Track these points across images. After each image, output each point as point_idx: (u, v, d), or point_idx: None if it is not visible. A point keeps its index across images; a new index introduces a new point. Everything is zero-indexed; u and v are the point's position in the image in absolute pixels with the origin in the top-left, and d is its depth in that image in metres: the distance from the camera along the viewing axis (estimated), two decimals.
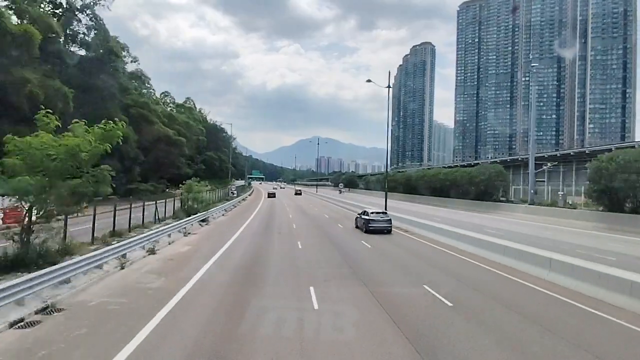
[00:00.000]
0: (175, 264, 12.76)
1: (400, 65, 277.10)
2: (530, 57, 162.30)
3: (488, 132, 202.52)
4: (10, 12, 28.09)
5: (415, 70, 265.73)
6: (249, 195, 70.90)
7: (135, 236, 15.09)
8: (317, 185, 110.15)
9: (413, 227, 22.37)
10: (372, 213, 22.32)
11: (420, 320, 7.74)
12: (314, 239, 19.15)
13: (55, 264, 9.61)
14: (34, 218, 10.41)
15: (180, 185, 26.42)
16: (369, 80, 30.31)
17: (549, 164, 39.79)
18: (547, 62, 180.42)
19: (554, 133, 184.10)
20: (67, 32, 33.16)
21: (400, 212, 29.37)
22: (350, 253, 15.39)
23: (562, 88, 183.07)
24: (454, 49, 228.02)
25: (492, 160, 58.81)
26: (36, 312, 7.73)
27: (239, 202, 47.92)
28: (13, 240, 10.18)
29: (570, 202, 31.72)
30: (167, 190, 51.44)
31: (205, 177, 76.32)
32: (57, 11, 32.50)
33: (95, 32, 34.34)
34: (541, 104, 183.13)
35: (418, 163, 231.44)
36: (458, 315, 8.09)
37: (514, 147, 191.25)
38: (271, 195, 65.66)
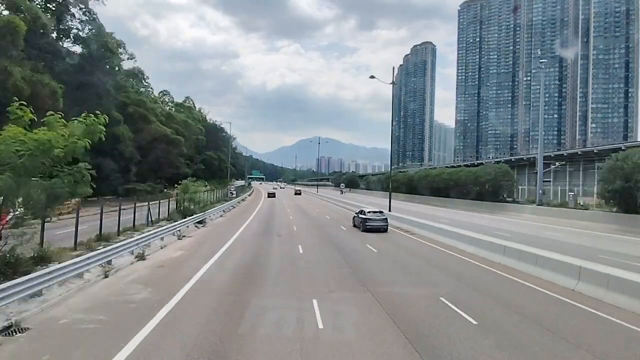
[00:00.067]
0: (165, 272, 11.66)
1: (400, 65, 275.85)
2: (539, 53, 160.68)
3: (489, 132, 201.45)
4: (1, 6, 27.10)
5: (416, 70, 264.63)
6: (249, 195, 69.85)
7: (124, 240, 14.02)
8: (317, 186, 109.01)
9: (420, 230, 21.28)
10: (368, 212, 22.92)
11: (434, 334, 6.66)
12: (315, 242, 18.06)
13: (28, 274, 8.55)
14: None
15: (176, 185, 25.29)
16: (372, 77, 29.27)
17: (557, 163, 38.68)
18: (548, 61, 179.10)
19: (555, 133, 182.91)
20: (61, 27, 32.07)
21: (404, 213, 28.30)
22: (356, 259, 14.29)
23: (564, 87, 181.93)
24: (454, 49, 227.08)
25: (495, 160, 57.69)
26: None
27: (238, 202, 46.85)
28: None
29: (581, 203, 30.58)
30: (165, 190, 50.35)
31: (204, 177, 75.27)
32: (49, 5, 31.39)
33: (90, 27, 33.25)
34: (543, 103, 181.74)
35: (419, 163, 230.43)
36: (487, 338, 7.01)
37: (515, 147, 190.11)
38: (271, 195, 65.86)
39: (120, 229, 16.96)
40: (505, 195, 39.18)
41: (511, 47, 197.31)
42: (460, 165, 63.87)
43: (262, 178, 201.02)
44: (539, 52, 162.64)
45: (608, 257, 14.32)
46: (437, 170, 56.79)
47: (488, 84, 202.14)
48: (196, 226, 22.79)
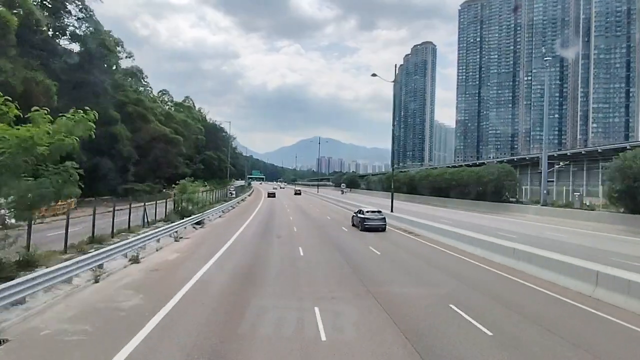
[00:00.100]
0: (159, 276, 11.12)
1: (401, 65, 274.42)
2: (543, 50, 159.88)
3: (490, 131, 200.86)
4: None
5: (417, 69, 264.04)
6: (249, 195, 69.27)
7: (118, 242, 13.48)
8: (318, 186, 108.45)
9: (425, 231, 20.69)
10: (367, 212, 23.26)
11: (445, 347, 6.13)
12: (317, 244, 17.51)
13: (12, 279, 8.02)
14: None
15: (173, 185, 24.74)
16: (374, 75, 28.73)
17: (560, 163, 38.11)
18: (549, 61, 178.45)
19: (556, 133, 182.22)
20: (57, 24, 31.53)
21: (406, 214, 27.76)
22: (359, 262, 13.75)
23: (565, 87, 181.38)
24: (454, 49, 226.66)
25: (498, 160, 57.10)
26: None
27: (237, 202, 46.30)
28: None
29: (587, 203, 30.01)
30: (164, 190, 49.83)
31: (204, 177, 74.92)
32: (45, 2, 30.84)
33: (87, 25, 32.71)
34: (543, 103, 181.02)
35: (419, 163, 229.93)
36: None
37: (516, 146, 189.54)
38: (271, 195, 66.49)
39: (115, 230, 16.42)
40: (508, 196, 38.59)
41: (512, 47, 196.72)
42: (461, 165, 63.30)
43: (262, 178, 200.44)
44: (543, 50, 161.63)
45: (621, 260, 13.79)
46: (438, 170, 56.23)
47: (489, 83, 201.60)
48: (194, 227, 22.26)
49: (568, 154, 45.73)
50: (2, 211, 9.18)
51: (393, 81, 27.39)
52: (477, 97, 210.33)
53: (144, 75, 57.17)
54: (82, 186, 9.84)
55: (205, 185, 61.27)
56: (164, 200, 24.26)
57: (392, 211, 28.89)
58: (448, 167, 62.23)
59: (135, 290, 9.56)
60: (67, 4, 31.61)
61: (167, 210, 23.92)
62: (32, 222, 10.21)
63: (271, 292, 9.59)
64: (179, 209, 23.57)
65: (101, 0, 34.57)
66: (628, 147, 33.47)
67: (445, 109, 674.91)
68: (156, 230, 16.88)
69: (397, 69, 29.79)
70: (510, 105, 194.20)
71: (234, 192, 52.61)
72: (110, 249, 12.19)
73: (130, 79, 48.28)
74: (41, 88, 22.48)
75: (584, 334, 7.17)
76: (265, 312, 8.03)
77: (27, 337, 6.57)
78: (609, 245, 17.82)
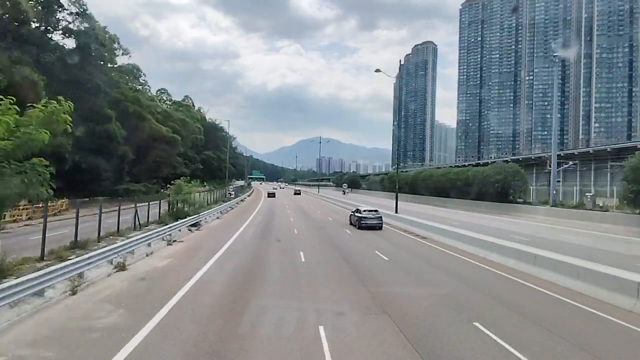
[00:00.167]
0: (145, 287, 10.00)
1: (401, 65, 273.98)
2: (552, 45, 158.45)
3: (491, 131, 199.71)
4: None
5: (417, 69, 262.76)
6: (248, 196, 68.18)
7: (103, 247, 12.36)
8: (318, 186, 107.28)
9: (435, 234, 19.54)
10: (364, 211, 23.97)
11: None
12: (319, 249, 16.37)
13: None
14: None
15: (168, 185, 23.60)
16: (377, 70, 27.67)
17: (570, 162, 36.96)
18: (550, 60, 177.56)
19: (558, 132, 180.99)
20: (50, 18, 30.39)
21: (411, 215, 26.61)
22: (366, 269, 12.65)
23: (567, 87, 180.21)
24: (454, 49, 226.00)
25: (503, 159, 55.94)
26: None
27: (236, 203, 45.18)
28: None
29: (601, 204, 28.86)
30: (162, 190, 48.73)
31: (203, 177, 73.93)
32: None
33: (80, 19, 31.55)
34: (545, 103, 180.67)
35: (420, 163, 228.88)
36: None
37: (517, 146, 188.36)
38: (271, 195, 66.88)
39: (103, 233, 15.30)
40: (515, 196, 37.41)
41: (513, 47, 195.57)
42: (465, 165, 62.18)
43: (263, 178, 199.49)
44: (553, 45, 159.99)
45: None
46: (442, 170, 55.05)
47: (490, 83, 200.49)
48: (189, 230, 21.13)
49: (575, 153, 44.58)
50: None
51: (396, 76, 26.26)
52: (478, 97, 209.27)
53: (141, 74, 56.10)
54: (54, 187, 8.69)
55: (205, 186, 60.28)
56: (159, 202, 23.10)
57: (396, 212, 27.78)
58: (452, 166, 61.09)
59: (116, 304, 8.44)
60: None
61: (163, 212, 22.82)
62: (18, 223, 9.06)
63: (270, 309, 8.48)
64: (174, 210, 22.43)
65: None
66: (639, 146, 32.42)
67: (445, 109, 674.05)
68: (148, 233, 15.75)
69: (401, 63, 28.70)
70: (512, 105, 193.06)
71: (233, 193, 51.49)
72: (94, 255, 11.07)
73: (127, 76, 47.14)
74: (28, 83, 21.42)
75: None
76: (263, 339, 6.91)
77: None
78: (636, 250, 16.62)
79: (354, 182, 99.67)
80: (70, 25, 31.91)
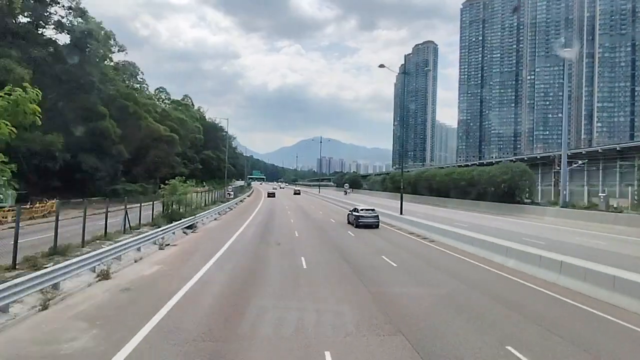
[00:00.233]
0: (128, 299, 8.90)
1: (402, 65, 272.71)
2: (563, 40, 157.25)
3: (492, 131, 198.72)
4: None
5: (418, 69, 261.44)
6: (248, 196, 67.19)
7: (87, 253, 11.24)
8: (319, 186, 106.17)
9: (443, 238, 18.44)
10: (361, 210, 24.86)
11: None
12: (321, 254, 15.27)
13: None
14: None
15: (162, 185, 22.48)
16: (382, 65, 26.57)
17: (579, 161, 35.85)
18: (552, 60, 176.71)
19: (560, 132, 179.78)
20: (40, 12, 29.28)
21: (416, 216, 25.49)
22: (374, 275, 11.55)
23: (569, 86, 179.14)
24: (454, 49, 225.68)
25: (507, 159, 54.83)
26: None
27: (235, 204, 44.09)
28: None
29: (615, 205, 27.73)
30: (159, 191, 47.63)
31: (202, 177, 72.87)
32: None
33: (73, 13, 30.44)
34: (547, 102, 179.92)
35: (420, 163, 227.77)
36: None
37: (519, 146, 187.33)
38: (271, 195, 67.32)
39: (90, 237, 14.18)
40: (522, 197, 36.28)
41: (514, 46, 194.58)
42: (468, 165, 61.09)
43: (263, 178, 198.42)
44: (563, 40, 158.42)
45: None
46: (446, 169, 53.95)
47: (491, 83, 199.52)
48: (184, 232, 20.05)
49: (583, 152, 43.51)
50: None
51: (399, 71, 25.14)
52: (479, 97, 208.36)
53: (139, 72, 54.94)
54: (17, 187, 7.58)
55: (204, 186, 59.20)
56: (152, 203, 21.96)
57: (401, 214, 26.68)
58: (456, 166, 59.99)
59: (91, 321, 7.33)
60: None
61: (157, 214, 21.70)
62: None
63: (269, 325, 7.38)
64: (168, 212, 21.33)
65: None
66: None
67: (445, 109, 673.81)
68: (138, 237, 14.66)
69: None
70: (513, 105, 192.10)
71: (232, 193, 50.37)
72: (74, 263, 9.97)
73: (124, 74, 46.02)
74: (12, 77, 20.32)
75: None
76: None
77: None
78: None
79: (355, 182, 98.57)
80: (63, 20, 30.83)
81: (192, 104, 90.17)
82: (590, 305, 8.76)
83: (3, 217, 19.63)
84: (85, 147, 29.51)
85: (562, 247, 15.71)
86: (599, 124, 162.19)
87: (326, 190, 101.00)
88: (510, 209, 35.06)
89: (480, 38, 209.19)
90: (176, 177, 22.83)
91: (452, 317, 7.90)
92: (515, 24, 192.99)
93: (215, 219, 28.14)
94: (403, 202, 27.86)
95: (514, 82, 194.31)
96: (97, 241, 14.35)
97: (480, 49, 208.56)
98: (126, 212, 16.48)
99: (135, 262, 12.84)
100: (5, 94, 7.43)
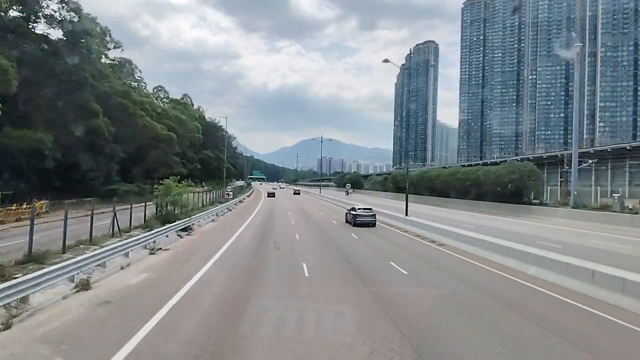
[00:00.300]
0: (106, 315, 7.79)
1: (402, 64, 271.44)
2: (573, 35, 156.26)
3: (493, 131, 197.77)
4: None
5: (418, 69, 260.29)
6: (248, 196, 66.16)
7: (68, 260, 10.14)
8: (320, 186, 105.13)
9: (458, 243, 17.30)
10: (359, 209, 25.45)
11: None
12: (324, 259, 14.17)
13: None
14: None
15: (156, 185, 21.38)
16: (386, 60, 25.49)
17: (589, 160, 34.77)
18: (554, 59, 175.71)
19: (562, 132, 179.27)
20: (30, 5, 28.15)
21: (421, 217, 24.40)
22: (382, 284, 10.46)
23: (570, 86, 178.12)
24: (454, 49, 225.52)
25: (511, 158, 53.82)
26: None
27: (235, 204, 43.02)
28: None
29: (630, 206, 26.61)
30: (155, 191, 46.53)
31: (202, 177, 71.83)
32: None
33: (64, 6, 29.29)
34: (549, 102, 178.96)
35: (421, 163, 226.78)
36: None
37: (520, 146, 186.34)
38: (271, 194, 67.41)
39: (72, 242, 13.11)
40: (531, 197, 35.15)
41: (516, 45, 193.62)
42: (471, 165, 59.99)
43: (263, 178, 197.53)
44: (573, 34, 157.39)
45: None
46: (450, 169, 52.86)
47: (492, 82, 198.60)
48: (179, 235, 18.94)
49: (591, 151, 42.43)
50: None
51: (404, 67, 24.09)
52: (480, 97, 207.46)
53: (136, 69, 53.90)
54: None
55: (203, 186, 58.12)
56: (145, 204, 20.85)
57: (406, 215, 25.57)
58: (460, 166, 58.94)
59: (57, 344, 6.23)
60: None
61: (150, 215, 20.62)
62: None
63: (266, 340, 6.28)
64: (162, 213, 20.23)
65: None
66: None
67: (445, 109, 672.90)
68: (127, 241, 13.56)
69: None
70: (514, 105, 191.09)
71: (231, 193, 49.28)
72: (48, 272, 8.87)
73: (120, 72, 44.88)
74: None
75: None
76: None
77: None
78: None
79: (356, 182, 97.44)
80: (56, 15, 29.71)
81: (192, 103, 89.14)
82: None
83: None
84: (77, 145, 28.42)
85: (586, 252, 14.60)
86: (602, 124, 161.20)
87: (326, 190, 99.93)
88: (517, 210, 33.94)
89: (482, 37, 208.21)
90: (171, 177, 21.70)
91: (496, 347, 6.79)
92: (517, 23, 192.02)
93: (212, 221, 27.04)
94: (401, 202, 26.91)
95: (515, 82, 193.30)
96: (81, 246, 13.26)
97: (482, 48, 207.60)
98: (114, 213, 15.38)
99: (122, 269, 11.74)
100: None
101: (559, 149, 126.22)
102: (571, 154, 38.84)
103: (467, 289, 10.19)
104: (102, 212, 20.92)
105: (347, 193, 60.94)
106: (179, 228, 19.45)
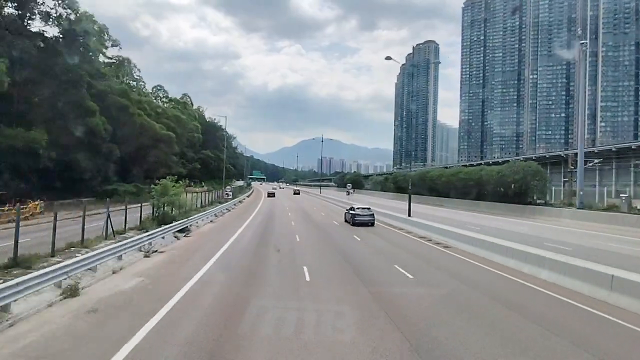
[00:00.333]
0: (92, 325, 7.21)
1: (403, 64, 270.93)
2: (579, 32, 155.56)
3: (494, 131, 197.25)
4: None
5: (419, 69, 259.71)
6: (247, 196, 65.63)
7: (56, 264, 9.57)
8: (320, 186, 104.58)
9: (469, 247, 16.69)
10: (357, 209, 25.71)
11: None
12: (326, 262, 13.61)
13: None
14: None
15: (152, 186, 20.80)
16: (388, 58, 24.99)
17: (594, 160, 34.21)
18: (555, 59, 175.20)
19: (563, 132, 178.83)
20: (29, 4, 27.60)
21: (424, 218, 23.83)
22: (383, 284, 9.88)
23: (572, 85, 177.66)
24: (454, 49, 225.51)
25: (513, 158, 53.23)
26: None
27: (234, 204, 42.47)
28: None
29: (639, 207, 26.03)
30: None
31: (201, 178, 71.32)
32: None
33: (62, 4, 28.70)
34: (549, 102, 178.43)
35: (422, 163, 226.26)
36: None
37: (521, 146, 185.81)
38: (271, 194, 67.78)
39: (63, 245, 12.55)
40: (535, 197, 34.58)
41: (516, 45, 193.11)
42: (472, 165, 59.47)
43: (263, 178, 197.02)
44: (580, 31, 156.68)
45: None
46: (452, 169, 52.31)
47: (492, 82, 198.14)
48: (176, 236, 18.38)
49: (595, 151, 41.89)
50: None
51: (407, 63, 23.51)
52: (480, 97, 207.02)
53: (134, 68, 53.31)
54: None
55: (203, 186, 57.55)
56: (141, 205, 20.29)
57: (409, 216, 25.01)
58: (463, 165, 58.39)
59: (35, 359, 5.67)
60: None
61: (146, 216, 20.06)
62: None
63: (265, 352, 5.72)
64: (158, 214, 19.66)
65: None
66: None
67: (445, 109, 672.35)
68: (120, 243, 12.98)
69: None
70: (515, 105, 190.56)
71: (230, 194, 48.70)
72: (33, 277, 8.31)
73: (117, 71, 44.30)
74: None
75: None
76: None
77: None
78: None
79: (357, 182, 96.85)
80: (52, 12, 29.13)
81: (191, 103, 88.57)
82: None
83: None
84: (73, 144, 27.86)
85: (599, 255, 14.03)
86: (602, 124, 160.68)
87: (327, 190, 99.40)
88: (521, 210, 33.36)
89: (482, 37, 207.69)
90: (168, 177, 21.12)
91: None
92: (517, 23, 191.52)
93: (211, 221, 26.49)
94: (403, 202, 26.43)
95: (516, 82, 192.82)
96: (72, 249, 12.69)
97: (482, 48, 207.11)
98: (108, 214, 14.80)
99: (114, 273, 11.17)
100: None
101: (560, 149, 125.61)
102: (576, 153, 38.35)
103: (486, 300, 9.61)
104: (98, 213, 20.41)
105: (348, 193, 60.30)
106: (176, 229, 18.88)
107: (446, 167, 61.07)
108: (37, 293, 8.46)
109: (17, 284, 7.79)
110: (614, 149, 39.58)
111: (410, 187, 26.75)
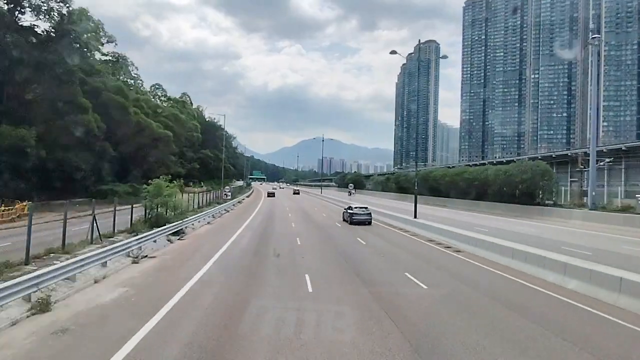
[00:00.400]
0: (61, 349, 6.10)
1: (403, 64, 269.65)
2: (591, 26, 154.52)
3: (495, 131, 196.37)
4: None
5: (420, 68, 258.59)
6: (247, 197, 64.54)
7: (29, 274, 8.46)
8: (321, 186, 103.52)
9: (482, 251, 15.58)
10: (355, 208, 26.09)
11: None
12: (329, 267, 12.50)
13: None
14: None
15: (145, 185, 19.68)
16: (393, 52, 23.91)
17: (605, 159, 33.11)
18: (557, 58, 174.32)
19: (564, 132, 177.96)
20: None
21: (429, 220, 22.72)
22: (399, 300, 8.78)
23: (573, 85, 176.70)
24: (455, 49, 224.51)
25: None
26: None
27: (233, 205, 41.38)
28: None
29: None
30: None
31: (201, 177, 70.33)
32: None
33: None
34: (551, 102, 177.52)
35: (422, 163, 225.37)
36: None
37: (522, 146, 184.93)
38: (271, 194, 67.78)
39: (41, 251, 11.44)
40: (544, 198, 33.48)
41: (518, 45, 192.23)
42: (476, 164, 58.40)
43: (263, 179, 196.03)
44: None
45: None
46: (455, 169, 51.19)
47: (494, 82, 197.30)
48: (169, 239, 17.26)
49: (604, 150, 40.76)
50: None
51: (411, 56, 22.42)
52: (481, 97, 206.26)
53: (132, 66, 52.24)
54: None
55: (202, 186, 56.49)
56: (132, 206, 19.15)
57: (415, 217, 23.88)
58: (466, 165, 57.30)
59: None
60: None
61: (137, 218, 18.93)
62: None
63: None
64: (150, 216, 18.54)
65: None
66: None
67: (446, 109, 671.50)
68: (107, 248, 11.87)
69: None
70: (516, 104, 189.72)
71: (229, 194, 47.62)
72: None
73: (113, 68, 43.21)
74: None
75: None
76: None
77: None
78: None
79: (358, 182, 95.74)
80: (43, 5, 28.00)
81: (191, 102, 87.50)
82: None
83: None
84: (64, 142, 26.81)
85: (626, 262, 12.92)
86: (605, 123, 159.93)
87: (328, 190, 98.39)
88: (529, 211, 32.25)
89: (483, 37, 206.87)
90: (161, 176, 20.00)
91: None
92: (519, 22, 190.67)
93: (208, 223, 25.38)
94: (406, 203, 25.42)
95: (517, 82, 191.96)
96: (51, 255, 11.57)
97: (483, 48, 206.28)
98: (94, 216, 13.69)
99: (96, 282, 10.06)
100: None
101: (562, 149, 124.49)
102: (585, 152, 37.23)
103: (522, 322, 8.52)
104: (90, 215, 19.31)
105: (350, 193, 59.17)
106: (170, 232, 17.76)
107: (449, 167, 59.92)
108: (1, 308, 7.38)
109: None
110: (624, 148, 38.49)
111: (415, 188, 25.59)
